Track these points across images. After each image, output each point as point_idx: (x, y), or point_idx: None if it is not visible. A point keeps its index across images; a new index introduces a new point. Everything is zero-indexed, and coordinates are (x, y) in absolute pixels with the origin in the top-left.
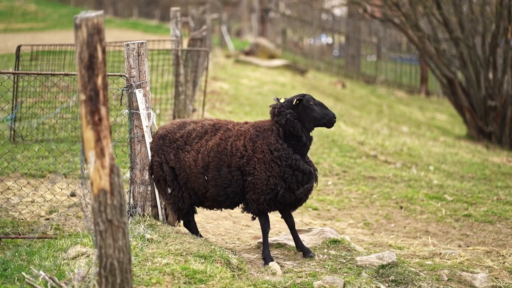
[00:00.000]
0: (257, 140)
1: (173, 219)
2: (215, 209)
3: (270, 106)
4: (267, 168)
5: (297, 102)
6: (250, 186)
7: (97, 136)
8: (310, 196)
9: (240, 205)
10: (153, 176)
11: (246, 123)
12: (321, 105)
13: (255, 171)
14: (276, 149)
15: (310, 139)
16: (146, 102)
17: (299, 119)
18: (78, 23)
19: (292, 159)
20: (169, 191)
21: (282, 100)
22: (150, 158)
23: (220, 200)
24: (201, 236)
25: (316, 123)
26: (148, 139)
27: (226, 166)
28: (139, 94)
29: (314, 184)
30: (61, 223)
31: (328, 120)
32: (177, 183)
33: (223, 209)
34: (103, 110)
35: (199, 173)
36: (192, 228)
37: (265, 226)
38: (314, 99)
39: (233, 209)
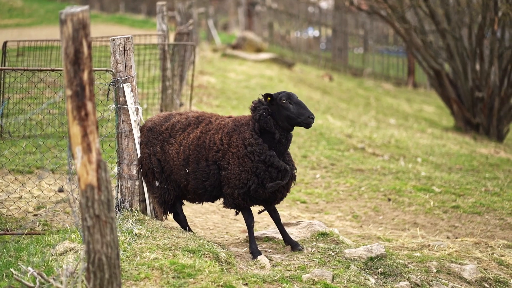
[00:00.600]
0: (233, 134)
1: (159, 213)
2: (197, 202)
3: (252, 102)
4: (240, 162)
5: (269, 98)
6: (224, 180)
7: (84, 132)
8: (297, 189)
9: (221, 199)
10: (141, 170)
11: (230, 117)
12: (298, 104)
13: (229, 166)
14: (250, 143)
15: (286, 137)
16: (133, 97)
17: (272, 116)
18: (63, 18)
19: (266, 154)
20: (157, 183)
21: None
22: (138, 152)
23: (200, 193)
24: (190, 229)
25: (291, 121)
26: (136, 134)
27: (204, 159)
28: (127, 88)
29: (292, 183)
30: (49, 219)
31: (303, 120)
32: (163, 175)
33: (204, 202)
34: (89, 105)
35: (180, 165)
36: (182, 221)
37: (249, 221)
38: (291, 98)
39: (213, 202)
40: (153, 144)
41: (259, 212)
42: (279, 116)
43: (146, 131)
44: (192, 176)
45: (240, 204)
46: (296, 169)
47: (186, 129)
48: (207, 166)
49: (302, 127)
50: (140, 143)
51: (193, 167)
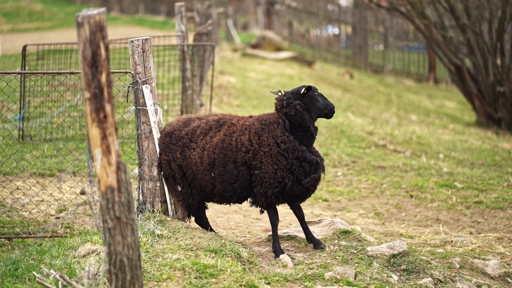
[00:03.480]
0: (262, 134)
1: (182, 215)
2: (223, 204)
3: (276, 99)
4: (274, 161)
5: (305, 91)
6: (257, 180)
7: (103, 134)
8: (319, 187)
9: (249, 199)
10: (162, 173)
11: (251, 117)
12: (322, 96)
13: (262, 165)
14: (283, 141)
15: (316, 129)
16: (153, 98)
17: (306, 110)
18: (80, 21)
19: (298, 150)
20: (179, 188)
21: (282, 93)
22: (158, 154)
23: (228, 196)
24: (212, 230)
25: (320, 113)
26: (156, 135)
27: (232, 161)
28: (146, 90)
29: (322, 174)
30: (71, 222)
31: (329, 110)
32: (186, 180)
33: (231, 204)
34: (108, 108)
35: (205, 170)
36: (204, 224)
37: (274, 219)
38: (317, 90)
39: (241, 203)
40: (173, 150)
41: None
42: (313, 108)
43: (164, 136)
44: (219, 180)
45: (273, 202)
46: (323, 160)
47: (208, 133)
48: (236, 168)
49: (327, 123)
50: (159, 148)
51: (219, 170)
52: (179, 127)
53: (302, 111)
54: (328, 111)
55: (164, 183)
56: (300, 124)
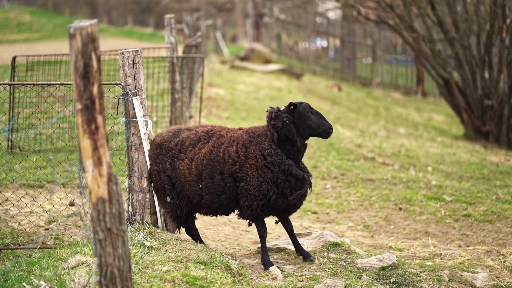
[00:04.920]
0: (250, 146)
1: (172, 227)
2: (210, 215)
3: (267, 111)
4: (259, 173)
5: (292, 107)
6: (242, 193)
7: (94, 145)
8: (308, 199)
9: (236, 211)
10: (152, 185)
11: (240, 129)
12: (318, 114)
13: (248, 177)
14: (270, 154)
15: (304, 145)
16: (143, 110)
17: (294, 124)
18: (72, 32)
19: (285, 164)
20: (169, 199)
21: (282, 108)
22: (148, 166)
23: (215, 207)
24: (202, 242)
25: (312, 131)
26: (146, 147)
27: (219, 173)
28: (136, 101)
29: (308, 190)
30: (60, 233)
31: (324, 130)
32: (175, 191)
33: (218, 216)
34: (99, 119)
35: (193, 181)
36: (194, 235)
37: (262, 232)
38: (311, 108)
39: (228, 215)
40: (162, 161)
41: (276, 222)
42: (301, 125)
43: (154, 147)
44: (206, 191)
45: (258, 215)
46: (311, 175)
47: (196, 145)
48: (222, 180)
49: (319, 137)
50: (149, 159)
51: (206, 182)
52: (168, 138)
53: (289, 124)
54: (321, 131)
55: (154, 194)
56: (288, 137)
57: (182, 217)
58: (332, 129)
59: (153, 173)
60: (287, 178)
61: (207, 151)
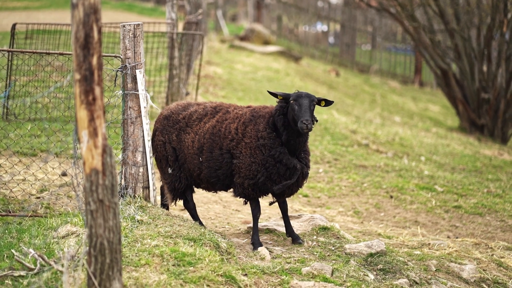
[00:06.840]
0: (249, 125)
1: (169, 199)
2: (211, 191)
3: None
4: (251, 153)
5: (280, 97)
6: (236, 169)
7: (91, 116)
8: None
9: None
10: (155, 156)
11: (249, 107)
12: (300, 106)
13: (241, 155)
14: (262, 136)
15: (295, 139)
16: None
17: (283, 114)
18: (75, 2)
19: (276, 150)
20: (170, 171)
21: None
22: (146, 139)
23: (213, 182)
24: (198, 217)
25: (295, 124)
26: (145, 120)
27: (218, 148)
28: (139, 74)
29: (304, 182)
30: (51, 202)
31: (298, 123)
32: (178, 163)
33: (217, 191)
34: (97, 90)
35: (194, 154)
36: (191, 209)
37: (255, 211)
38: (298, 99)
39: (226, 191)
40: (169, 132)
41: (270, 204)
42: (289, 116)
43: (162, 118)
44: (205, 165)
45: (250, 194)
46: (309, 167)
47: (202, 119)
48: (221, 155)
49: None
50: (155, 130)
51: (207, 155)
52: (177, 111)
53: (278, 115)
54: (297, 123)
55: (156, 165)
56: (283, 125)
57: (179, 189)
58: (305, 123)
59: (158, 144)
60: (276, 165)
61: (210, 125)
